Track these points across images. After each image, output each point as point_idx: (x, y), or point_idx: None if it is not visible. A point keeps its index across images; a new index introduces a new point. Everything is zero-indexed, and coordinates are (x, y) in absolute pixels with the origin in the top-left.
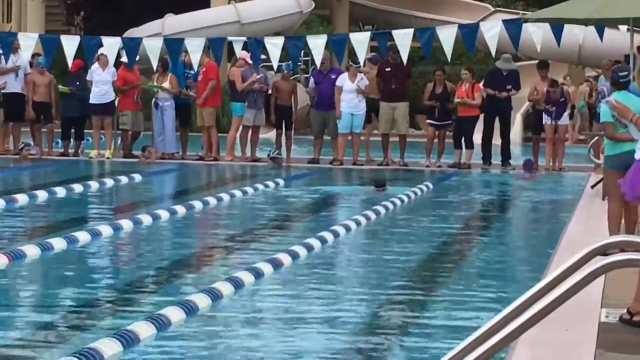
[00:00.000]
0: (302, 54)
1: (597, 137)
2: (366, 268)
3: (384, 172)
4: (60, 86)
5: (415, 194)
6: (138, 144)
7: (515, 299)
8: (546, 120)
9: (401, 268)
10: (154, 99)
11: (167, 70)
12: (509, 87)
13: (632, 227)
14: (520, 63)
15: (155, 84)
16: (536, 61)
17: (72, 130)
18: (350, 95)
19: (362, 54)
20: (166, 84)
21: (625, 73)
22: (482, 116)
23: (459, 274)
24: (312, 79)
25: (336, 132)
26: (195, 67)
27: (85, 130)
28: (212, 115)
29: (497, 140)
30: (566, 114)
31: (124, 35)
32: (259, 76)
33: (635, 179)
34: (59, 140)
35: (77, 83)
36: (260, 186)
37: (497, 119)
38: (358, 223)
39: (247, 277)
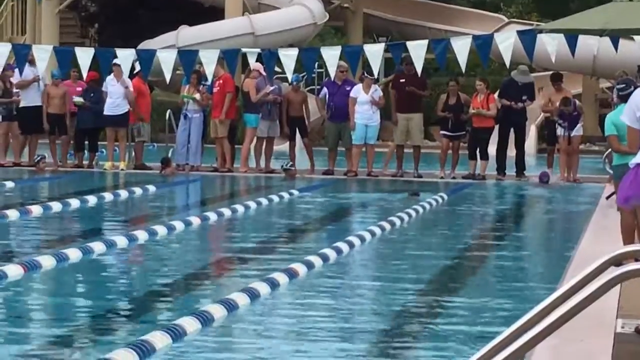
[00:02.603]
0: (316, 66)
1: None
2: (381, 279)
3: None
4: (75, 98)
5: (430, 204)
6: (152, 155)
7: (530, 310)
8: (560, 131)
9: (416, 278)
10: (183, 110)
11: (200, 82)
12: (524, 97)
13: None
14: (535, 74)
15: (187, 94)
16: (551, 72)
17: (86, 142)
18: (365, 106)
19: (376, 65)
20: (197, 96)
21: (624, 86)
22: (497, 127)
23: (473, 284)
24: (324, 89)
25: (351, 143)
26: (210, 78)
27: (99, 142)
28: (226, 127)
29: (511, 152)
30: (579, 125)
31: (138, 47)
32: (272, 87)
33: (625, 185)
34: (71, 152)
35: (92, 95)
36: (274, 197)
37: (511, 130)
38: (373, 234)
39: (263, 288)
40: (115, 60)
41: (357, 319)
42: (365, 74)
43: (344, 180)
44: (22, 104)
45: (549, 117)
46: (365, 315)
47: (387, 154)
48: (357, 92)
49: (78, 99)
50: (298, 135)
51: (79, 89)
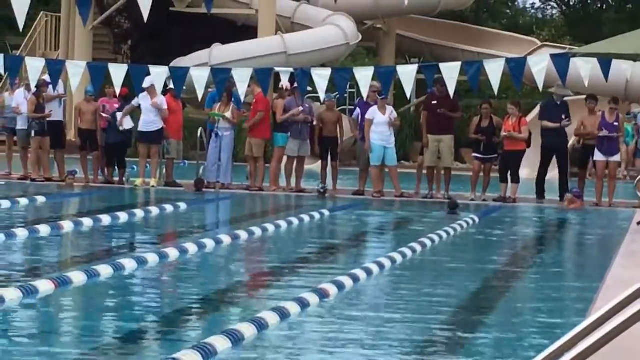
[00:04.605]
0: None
1: None
2: (410, 302)
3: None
4: (103, 114)
5: (461, 227)
6: (183, 173)
7: (560, 336)
8: (598, 156)
9: (445, 302)
10: (214, 128)
11: (232, 100)
12: (563, 116)
13: None
14: (568, 98)
15: (218, 112)
16: (583, 97)
17: (116, 158)
18: (383, 127)
19: (409, 86)
20: (228, 114)
21: None
22: (530, 151)
23: (503, 309)
24: (357, 110)
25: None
26: (242, 97)
27: (130, 159)
28: (261, 147)
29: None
30: (618, 155)
31: (171, 65)
32: (301, 109)
33: None
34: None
35: (119, 110)
36: (305, 217)
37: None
38: (404, 255)
39: (293, 308)
40: (148, 78)
41: (387, 340)
42: (379, 95)
43: (374, 201)
44: (49, 119)
45: (581, 141)
46: (394, 338)
47: (417, 176)
48: (373, 113)
49: (107, 116)
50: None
51: (116, 105)
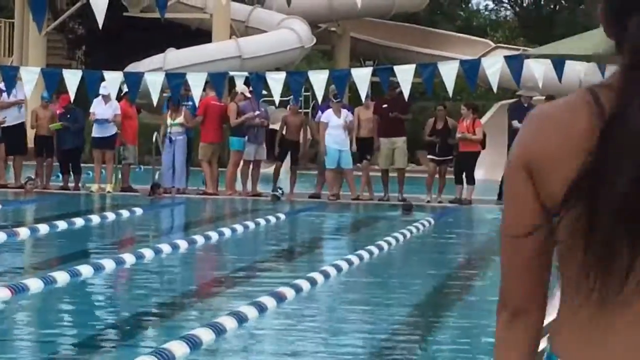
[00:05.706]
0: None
1: None
2: (367, 303)
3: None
4: (51, 125)
5: (417, 229)
6: (138, 178)
7: None
8: None
9: (404, 304)
10: (167, 133)
11: (180, 105)
12: None
13: None
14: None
15: (173, 121)
16: (538, 97)
17: (70, 164)
18: (338, 131)
19: (363, 89)
20: (180, 119)
21: None
22: (485, 152)
23: (462, 311)
24: (319, 113)
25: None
26: (197, 101)
27: (86, 164)
28: (207, 150)
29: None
30: None
31: (125, 70)
32: (257, 112)
33: None
34: (60, 174)
35: (68, 116)
36: (261, 220)
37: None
38: (361, 258)
39: (251, 312)
40: (104, 84)
41: (344, 343)
42: (331, 98)
43: (330, 204)
44: (4, 125)
45: None
46: (352, 340)
47: (362, 179)
48: (328, 116)
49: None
50: (288, 159)
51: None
